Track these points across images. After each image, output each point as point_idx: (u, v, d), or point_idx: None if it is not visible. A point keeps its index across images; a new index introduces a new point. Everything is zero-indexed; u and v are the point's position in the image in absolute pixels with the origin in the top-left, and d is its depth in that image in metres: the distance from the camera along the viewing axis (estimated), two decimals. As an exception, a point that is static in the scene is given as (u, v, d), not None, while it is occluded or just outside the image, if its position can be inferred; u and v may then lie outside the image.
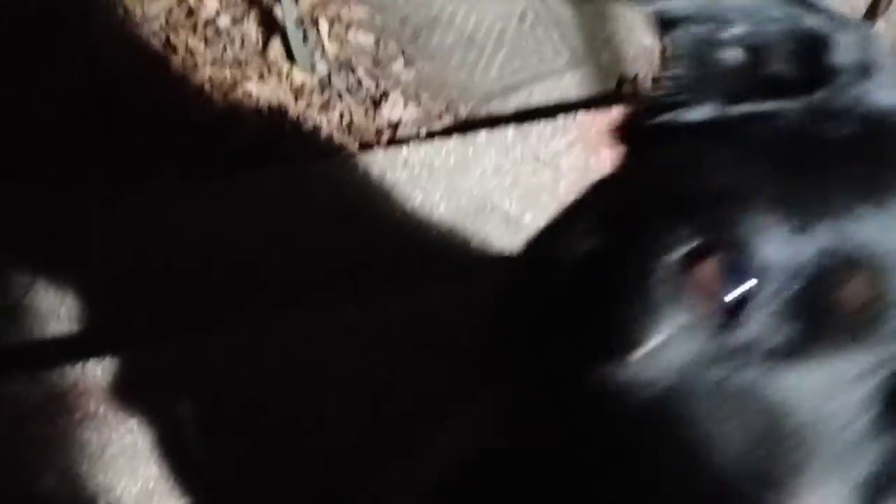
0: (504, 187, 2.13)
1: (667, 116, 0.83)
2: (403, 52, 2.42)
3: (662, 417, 0.68)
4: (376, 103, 2.31)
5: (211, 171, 2.08)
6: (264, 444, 1.75)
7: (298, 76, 2.29)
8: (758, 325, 0.70)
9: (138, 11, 2.30)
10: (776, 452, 0.67)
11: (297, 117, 2.23)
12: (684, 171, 0.78)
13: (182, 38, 2.27)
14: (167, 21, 2.30)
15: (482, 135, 2.22)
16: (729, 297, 0.70)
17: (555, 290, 0.79)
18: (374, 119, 2.28)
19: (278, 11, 2.30)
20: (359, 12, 2.44)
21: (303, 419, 1.77)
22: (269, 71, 2.28)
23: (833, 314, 0.69)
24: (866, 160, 0.75)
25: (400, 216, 2.09)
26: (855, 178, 0.73)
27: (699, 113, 0.82)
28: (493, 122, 2.32)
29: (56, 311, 1.88)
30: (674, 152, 0.82)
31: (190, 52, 2.26)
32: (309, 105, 2.27)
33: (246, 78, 2.25)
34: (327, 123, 2.24)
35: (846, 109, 0.79)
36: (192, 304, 1.89)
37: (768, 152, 0.77)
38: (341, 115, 2.27)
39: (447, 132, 2.27)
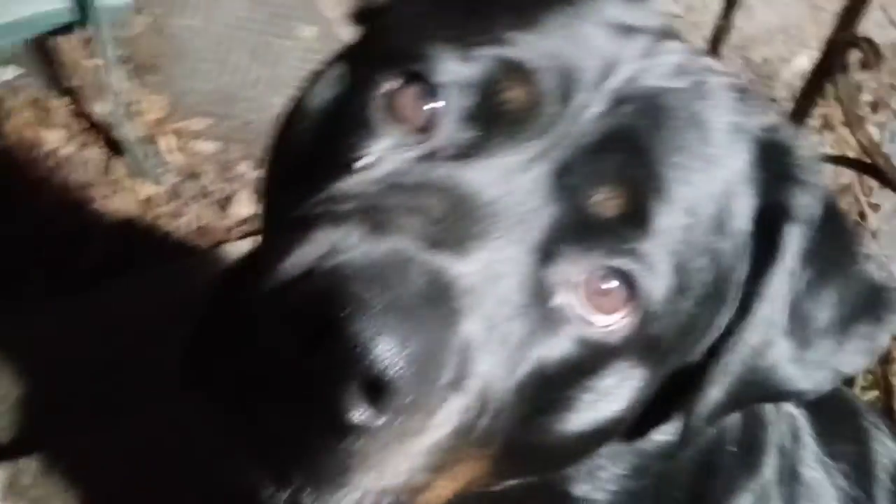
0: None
1: None
2: (248, 155, 2.53)
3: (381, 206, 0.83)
4: (225, 204, 2.40)
5: (64, 289, 2.15)
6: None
7: (146, 189, 2.38)
8: (446, 133, 0.88)
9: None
10: (465, 223, 0.82)
11: (149, 227, 2.31)
12: (387, 30, 0.98)
13: (26, 171, 2.35)
14: (9, 158, 2.38)
15: (328, 216, 2.32)
16: (421, 114, 0.89)
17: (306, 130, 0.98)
18: (224, 218, 2.37)
19: (120, 131, 2.40)
20: (201, 123, 2.55)
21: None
22: (117, 188, 2.36)
23: (500, 116, 0.87)
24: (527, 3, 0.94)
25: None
26: (508, 11, 0.91)
27: None
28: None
29: None
30: (381, 19, 1.02)
31: (35, 182, 2.33)
32: (159, 215, 2.35)
33: (94, 198, 2.33)
34: (179, 228, 2.33)
35: None
36: (44, 415, 1.94)
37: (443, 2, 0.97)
38: (192, 220, 2.36)
39: (295, 219, 2.37)
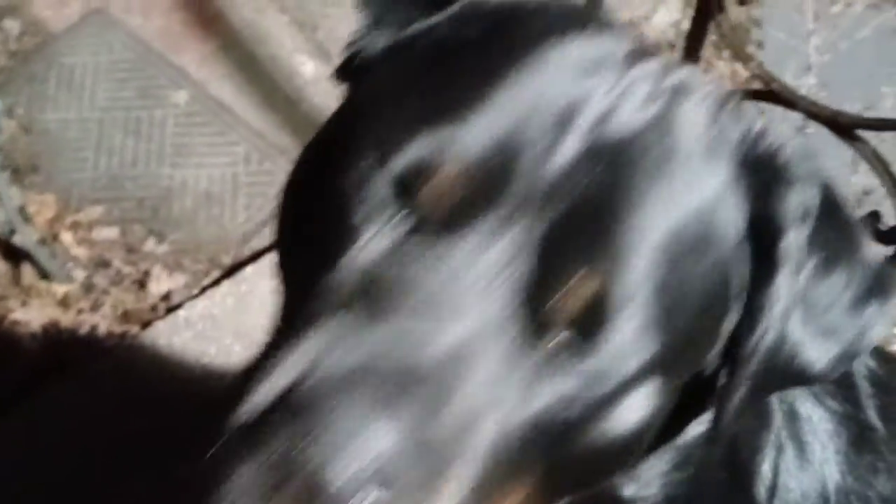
0: (286, 308, 2.21)
1: (362, 49, 1.03)
2: (151, 231, 2.50)
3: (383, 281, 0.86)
4: (142, 285, 2.37)
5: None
6: None
7: (59, 289, 2.33)
8: (428, 206, 0.88)
9: None
10: (449, 294, 0.85)
11: (72, 326, 2.27)
12: (369, 103, 0.97)
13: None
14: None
15: (248, 270, 2.32)
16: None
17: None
18: (145, 299, 2.34)
19: (18, 239, 2.35)
20: (95, 212, 2.51)
21: None
22: (30, 294, 2.31)
23: (466, 194, 0.88)
24: (488, 58, 0.94)
25: (200, 373, 2.15)
26: (466, 82, 0.92)
27: (380, 41, 1.02)
28: (257, 256, 2.41)
29: None
30: (368, 82, 1.02)
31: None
32: (79, 311, 2.31)
33: (9, 310, 2.28)
34: (102, 320, 2.29)
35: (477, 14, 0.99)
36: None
37: (419, 62, 0.97)
38: (113, 308, 2.32)
39: (216, 282, 2.35)
